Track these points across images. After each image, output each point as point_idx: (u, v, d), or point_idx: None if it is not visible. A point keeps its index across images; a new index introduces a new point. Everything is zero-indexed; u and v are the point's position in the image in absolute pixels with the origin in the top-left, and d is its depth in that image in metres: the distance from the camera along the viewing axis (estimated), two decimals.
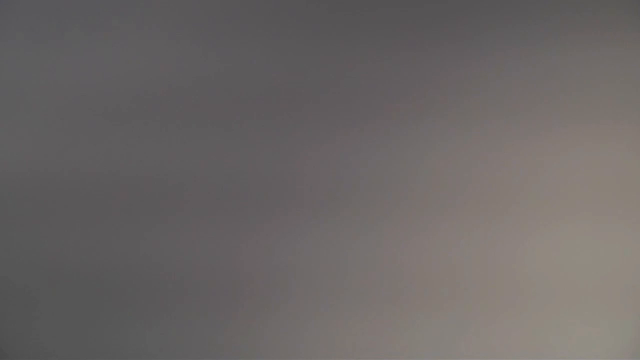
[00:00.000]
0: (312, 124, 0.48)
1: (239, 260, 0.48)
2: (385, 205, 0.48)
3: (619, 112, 0.49)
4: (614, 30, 0.51)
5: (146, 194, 0.48)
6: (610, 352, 0.47)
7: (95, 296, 0.48)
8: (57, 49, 0.52)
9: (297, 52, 0.49)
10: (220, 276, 0.47)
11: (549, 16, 0.51)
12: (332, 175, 0.48)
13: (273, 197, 0.48)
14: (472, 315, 0.47)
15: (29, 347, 0.47)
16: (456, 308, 0.46)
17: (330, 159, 0.48)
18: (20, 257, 0.48)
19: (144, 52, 0.50)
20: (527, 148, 0.49)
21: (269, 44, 0.49)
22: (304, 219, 0.48)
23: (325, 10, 0.49)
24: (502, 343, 0.47)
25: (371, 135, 0.48)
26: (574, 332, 0.47)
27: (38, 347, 0.47)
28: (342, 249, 0.47)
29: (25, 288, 0.48)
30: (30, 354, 0.47)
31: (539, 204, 0.48)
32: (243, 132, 0.48)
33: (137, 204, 0.48)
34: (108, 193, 0.49)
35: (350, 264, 0.47)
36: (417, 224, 0.48)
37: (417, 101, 0.48)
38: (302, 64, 0.49)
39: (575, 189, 0.49)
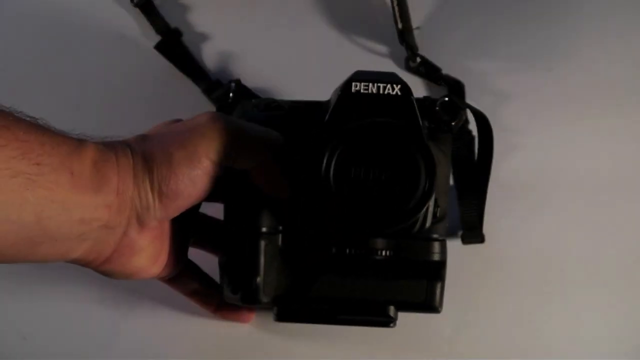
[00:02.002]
0: None
1: None
2: None
3: None
4: None
5: None
6: (611, 351, 0.47)
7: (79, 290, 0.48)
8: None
9: None
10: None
11: None
12: None
13: None
14: (471, 314, 0.47)
15: None
16: (460, 305, 0.46)
17: None
18: None
19: None
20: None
21: None
22: None
23: None
24: (501, 342, 0.47)
25: None
26: (575, 332, 0.47)
27: None
28: None
29: None
30: None
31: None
32: None
33: None
34: None
35: None
36: None
37: None
38: None
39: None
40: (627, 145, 0.49)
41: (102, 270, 0.35)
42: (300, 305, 0.38)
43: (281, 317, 0.38)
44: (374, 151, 0.34)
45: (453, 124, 0.38)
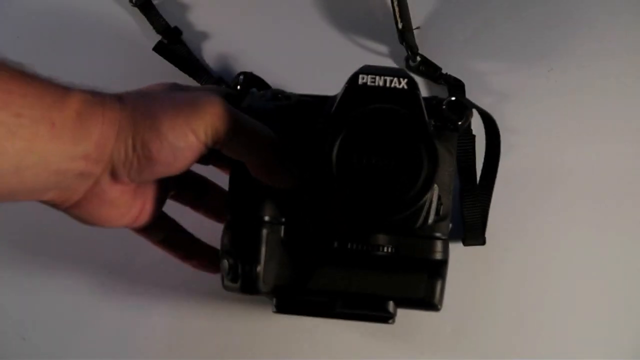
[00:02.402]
0: None
1: None
2: None
3: None
4: None
5: None
6: (610, 352, 0.47)
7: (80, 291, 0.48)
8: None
9: None
10: None
11: None
12: None
13: None
14: (470, 313, 0.47)
15: None
16: (459, 305, 0.46)
17: None
18: None
19: None
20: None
21: None
22: None
23: None
24: (501, 342, 0.47)
25: None
26: (574, 332, 0.47)
27: None
28: None
29: None
30: None
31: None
32: None
33: None
34: None
35: None
36: None
37: None
38: None
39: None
40: (627, 145, 0.49)
41: (69, 213, 0.35)
42: (299, 296, 0.38)
43: (280, 308, 0.38)
44: (376, 138, 0.34)
45: (459, 123, 0.38)
